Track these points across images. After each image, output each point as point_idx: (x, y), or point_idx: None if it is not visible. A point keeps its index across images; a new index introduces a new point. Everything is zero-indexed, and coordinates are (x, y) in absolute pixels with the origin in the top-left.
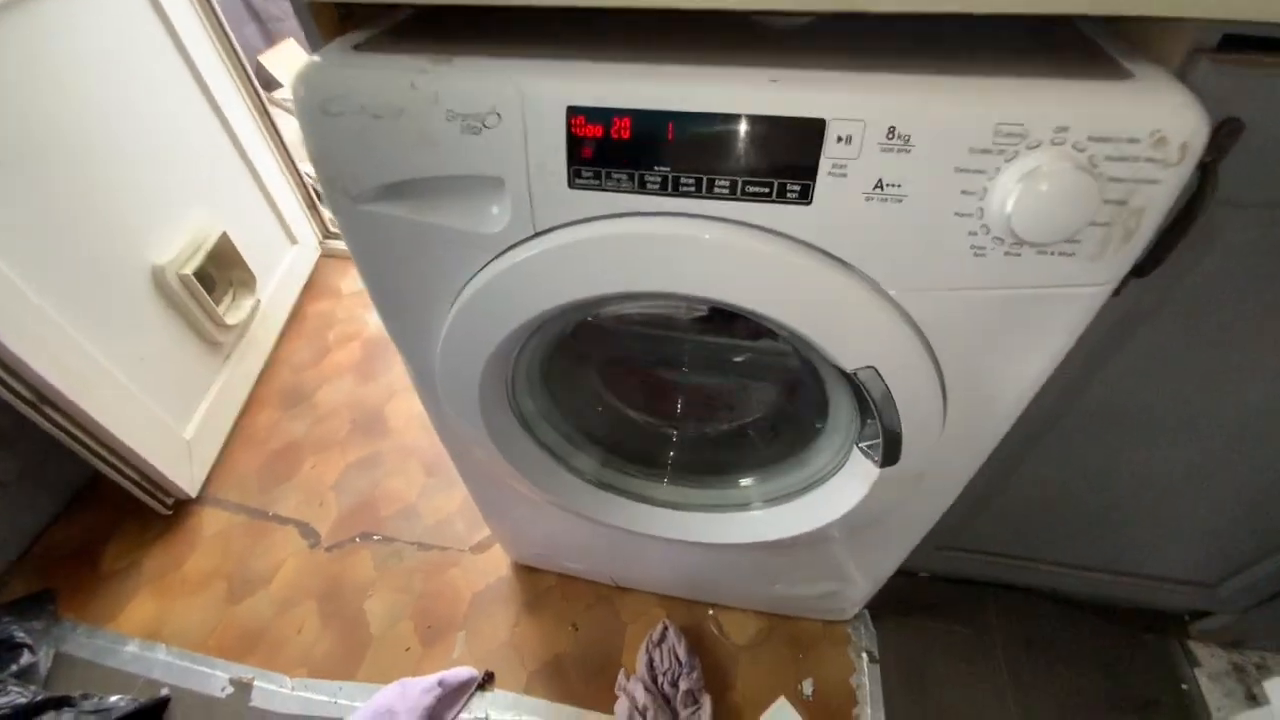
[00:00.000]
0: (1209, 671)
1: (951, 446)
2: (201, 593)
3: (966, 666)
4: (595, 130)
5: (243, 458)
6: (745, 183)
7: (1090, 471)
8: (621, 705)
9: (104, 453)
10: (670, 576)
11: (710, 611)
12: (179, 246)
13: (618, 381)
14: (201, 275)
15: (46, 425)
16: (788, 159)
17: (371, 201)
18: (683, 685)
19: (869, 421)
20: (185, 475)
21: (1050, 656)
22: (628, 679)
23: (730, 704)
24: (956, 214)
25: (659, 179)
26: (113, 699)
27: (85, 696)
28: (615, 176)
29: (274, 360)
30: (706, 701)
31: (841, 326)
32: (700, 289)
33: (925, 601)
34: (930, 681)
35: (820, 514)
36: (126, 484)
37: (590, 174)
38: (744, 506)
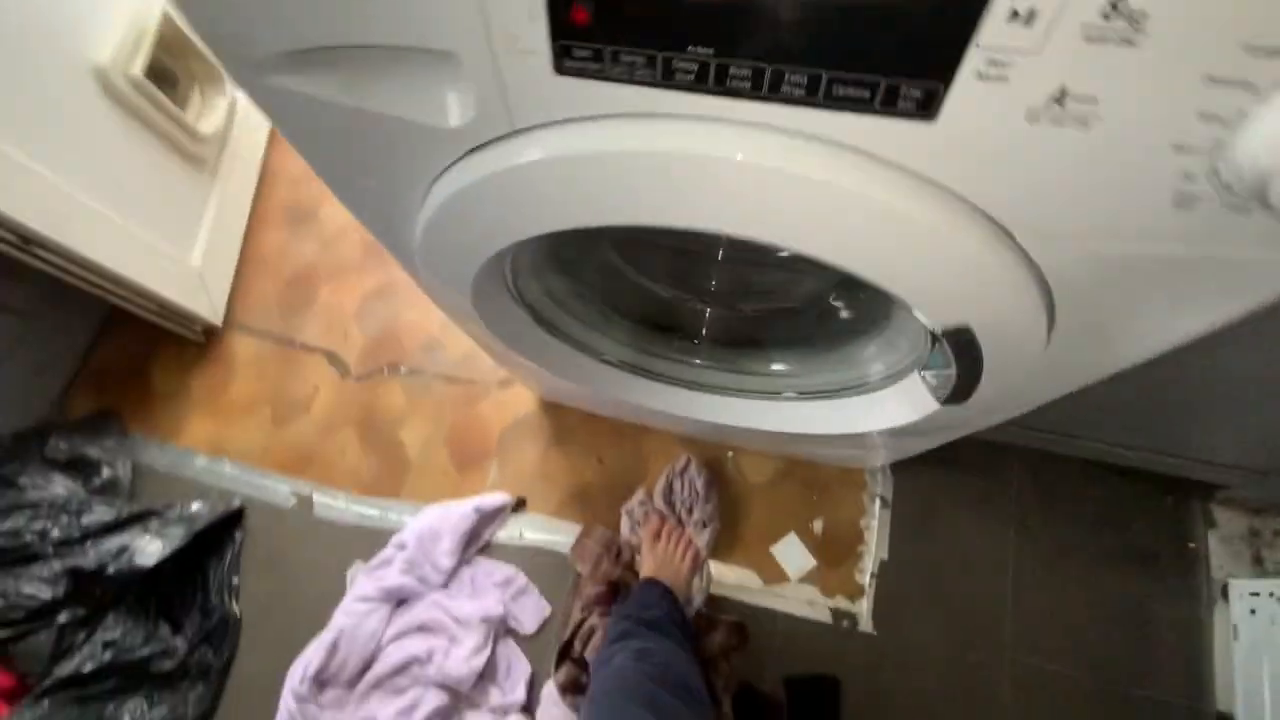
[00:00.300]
0: (1223, 533)
1: (1031, 390)
2: (249, 415)
3: (976, 516)
4: None
5: (258, 284)
6: (833, 80)
7: (1165, 369)
8: (625, 521)
9: (112, 288)
10: (693, 427)
11: (730, 453)
12: (117, 38)
13: (641, 259)
14: (158, 73)
15: (42, 266)
16: (910, 47)
17: (279, 73)
18: (696, 514)
19: (938, 350)
20: (204, 303)
21: (1063, 511)
22: (632, 501)
23: (741, 536)
24: (1175, 147)
25: (695, 66)
26: (194, 507)
27: (168, 507)
28: (626, 59)
29: (267, 172)
30: (711, 528)
31: (945, 285)
32: (745, 228)
33: (949, 456)
34: (937, 526)
35: (859, 421)
36: (149, 315)
37: (588, 53)
38: (776, 395)
